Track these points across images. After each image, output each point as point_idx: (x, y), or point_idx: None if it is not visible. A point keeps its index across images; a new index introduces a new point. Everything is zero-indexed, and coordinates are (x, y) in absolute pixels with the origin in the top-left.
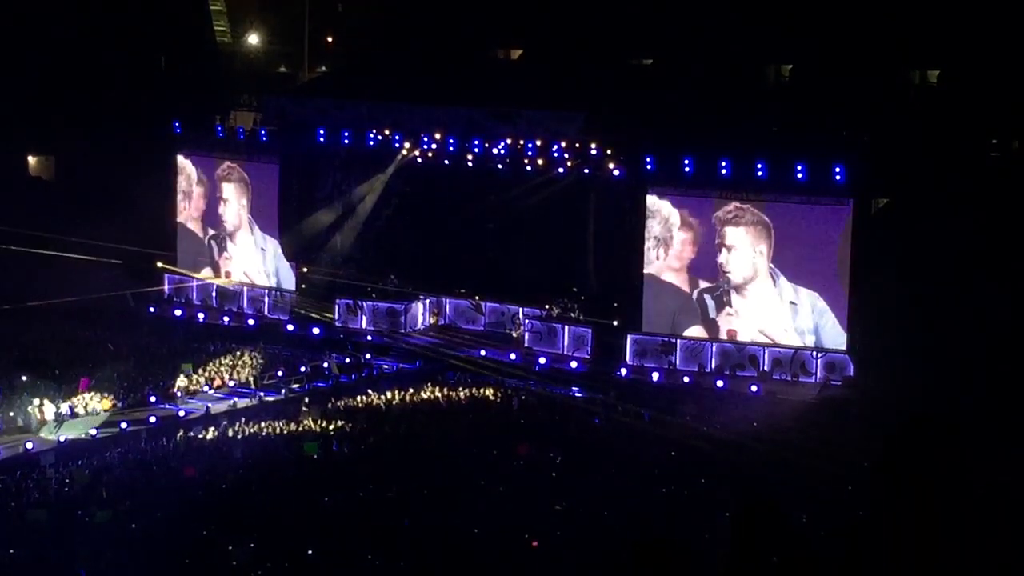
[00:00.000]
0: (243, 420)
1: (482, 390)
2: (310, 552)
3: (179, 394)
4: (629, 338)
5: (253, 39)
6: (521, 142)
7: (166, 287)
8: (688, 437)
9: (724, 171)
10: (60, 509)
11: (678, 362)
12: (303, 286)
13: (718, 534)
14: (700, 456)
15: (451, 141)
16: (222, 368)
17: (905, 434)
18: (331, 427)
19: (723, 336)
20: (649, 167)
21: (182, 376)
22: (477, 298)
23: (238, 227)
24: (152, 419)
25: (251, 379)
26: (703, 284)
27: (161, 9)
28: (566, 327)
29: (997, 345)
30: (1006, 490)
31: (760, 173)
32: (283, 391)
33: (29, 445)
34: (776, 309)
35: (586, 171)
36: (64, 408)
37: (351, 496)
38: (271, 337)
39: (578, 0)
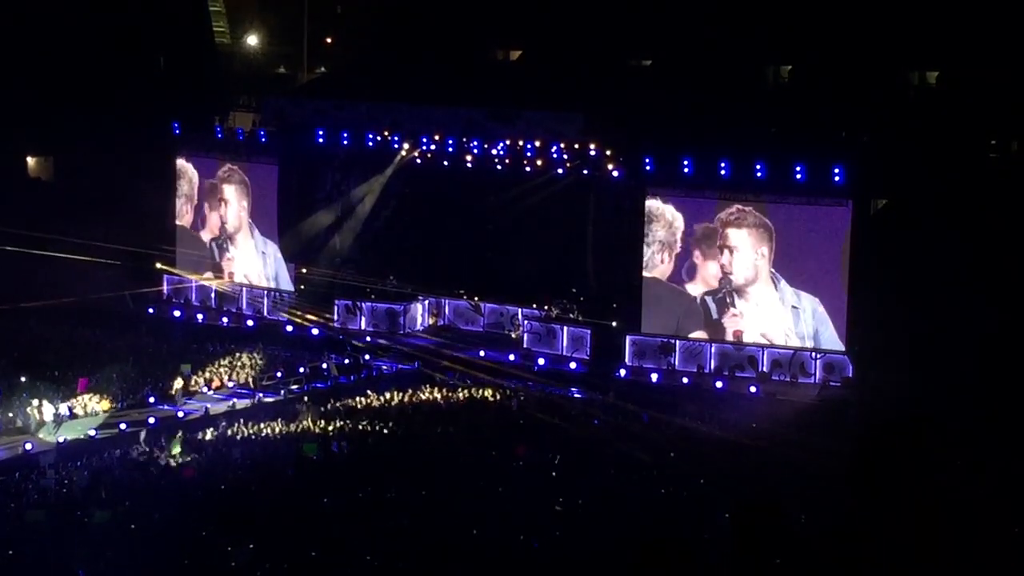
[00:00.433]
0: (242, 421)
1: (481, 391)
2: (309, 553)
3: (176, 396)
4: (628, 339)
5: (252, 40)
6: (520, 143)
7: (165, 288)
8: (687, 438)
9: (723, 172)
10: (59, 510)
11: (677, 363)
12: (302, 287)
13: (718, 535)
14: (699, 457)
15: (450, 142)
16: (221, 369)
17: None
18: (330, 428)
19: (729, 338)
20: (648, 168)
21: (179, 379)
22: (476, 299)
23: (239, 229)
24: (151, 420)
25: (250, 380)
26: (705, 287)
27: (160, 10)
28: (565, 328)
29: (995, 344)
30: (1000, 489)
31: (759, 174)
32: (282, 392)
33: (28, 446)
34: (778, 313)
35: (585, 172)
36: (63, 409)
37: (350, 497)
38: (270, 338)
39: (577, 1)
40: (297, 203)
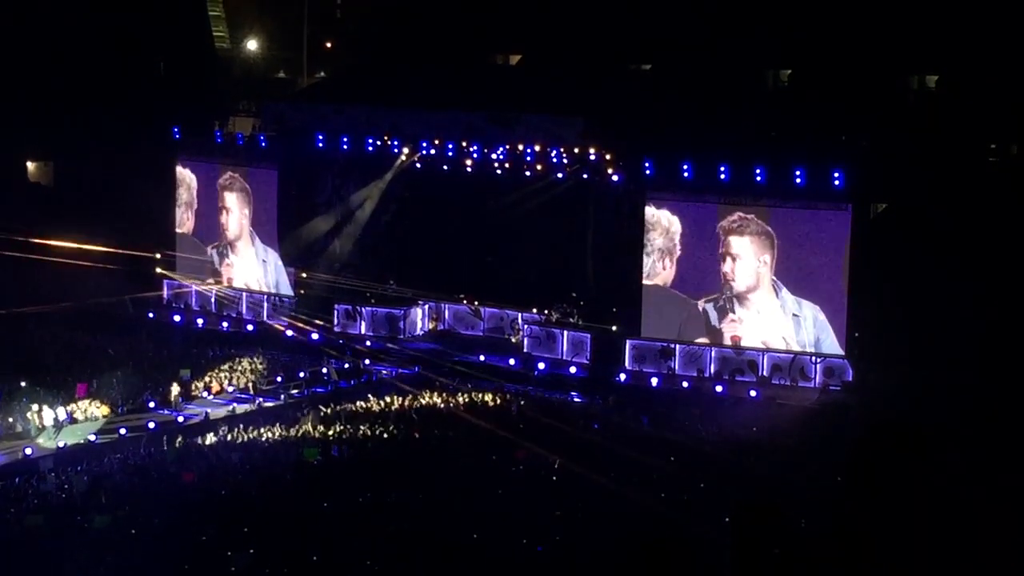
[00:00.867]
0: (242, 426)
1: (481, 395)
2: (310, 557)
3: (175, 402)
4: (628, 343)
5: (252, 45)
6: (520, 147)
7: (165, 293)
8: (687, 442)
9: (723, 176)
10: (59, 514)
11: (677, 367)
12: (302, 292)
13: (718, 538)
14: (699, 461)
15: (450, 146)
16: (221, 374)
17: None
18: (330, 432)
19: (727, 342)
20: (648, 172)
21: (175, 385)
22: (476, 303)
23: (239, 236)
24: (151, 424)
25: (250, 385)
26: (705, 294)
27: (160, 15)
28: (565, 332)
29: (995, 345)
30: (1001, 494)
31: (759, 178)
32: (282, 396)
33: (28, 451)
34: (779, 321)
35: (585, 176)
36: (63, 414)
37: (350, 501)
38: (270, 342)
39: (577, 5)
40: (297, 208)
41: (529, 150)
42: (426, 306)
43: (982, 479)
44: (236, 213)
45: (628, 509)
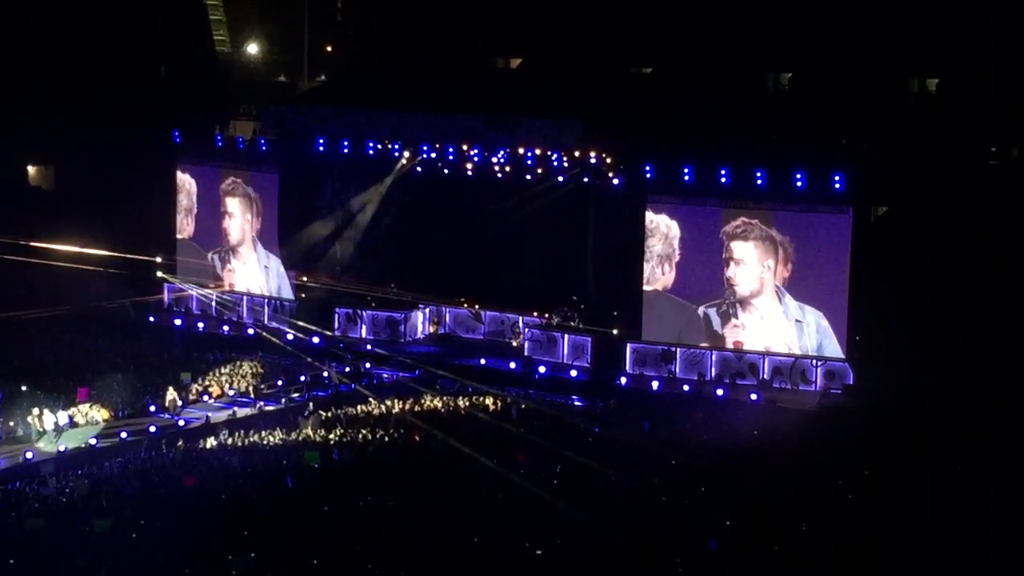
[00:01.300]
0: (243, 430)
1: (482, 399)
2: (310, 561)
3: (171, 406)
4: (629, 347)
5: (252, 48)
6: (520, 150)
7: (166, 297)
8: (688, 445)
9: (724, 179)
10: (60, 519)
11: (678, 371)
12: (303, 295)
13: (720, 541)
14: (700, 464)
15: (450, 150)
16: (222, 377)
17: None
18: (331, 436)
19: (729, 347)
20: (648, 175)
21: (171, 389)
22: (477, 307)
23: (241, 241)
24: (152, 428)
25: (251, 388)
26: (707, 299)
27: (161, 19)
28: (566, 336)
29: (996, 346)
30: (1006, 493)
31: (760, 182)
32: (283, 400)
33: (29, 455)
34: (782, 327)
35: (585, 179)
36: (63, 418)
37: (351, 505)
38: (271, 346)
39: (577, 9)
40: (297, 211)
41: (529, 154)
42: (427, 309)
43: (982, 480)
44: (239, 218)
45: (629, 512)
